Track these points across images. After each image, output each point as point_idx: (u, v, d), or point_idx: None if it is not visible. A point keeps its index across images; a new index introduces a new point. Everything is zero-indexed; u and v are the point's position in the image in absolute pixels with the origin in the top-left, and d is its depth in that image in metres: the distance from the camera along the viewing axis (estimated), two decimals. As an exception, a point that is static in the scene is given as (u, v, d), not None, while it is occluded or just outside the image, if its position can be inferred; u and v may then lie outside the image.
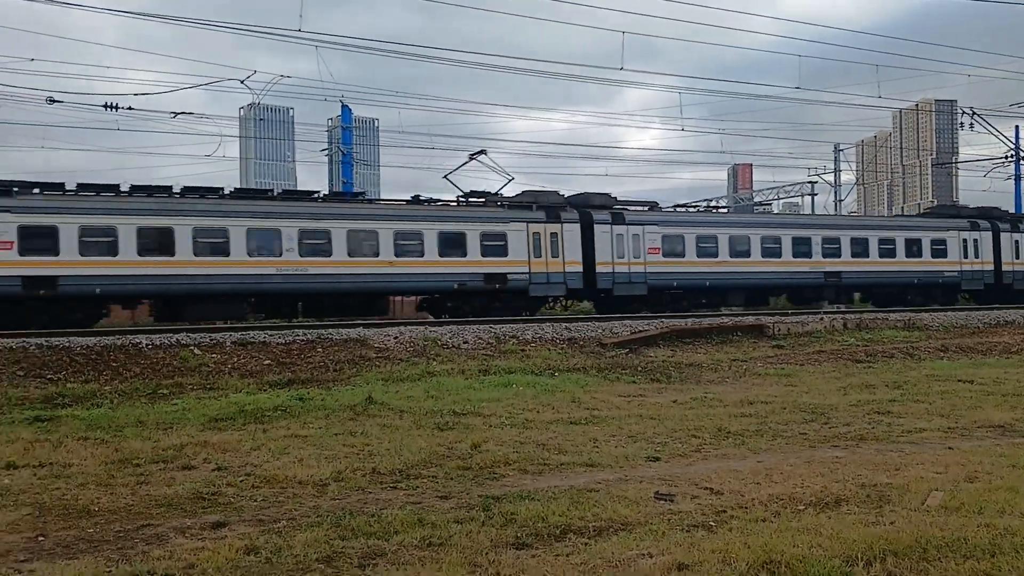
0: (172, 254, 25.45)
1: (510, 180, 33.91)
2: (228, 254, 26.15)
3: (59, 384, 16.23)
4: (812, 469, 8.96)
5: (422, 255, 28.87)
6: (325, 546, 6.32)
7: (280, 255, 26.72)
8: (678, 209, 39.79)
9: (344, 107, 52.63)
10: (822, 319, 28.10)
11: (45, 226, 24.05)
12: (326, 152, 64.05)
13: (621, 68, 37.80)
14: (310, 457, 9.81)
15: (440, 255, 29.09)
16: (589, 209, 32.57)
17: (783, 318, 27.90)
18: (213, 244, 26.04)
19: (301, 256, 26.95)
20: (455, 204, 31.87)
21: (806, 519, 6.95)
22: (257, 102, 36.94)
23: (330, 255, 27.36)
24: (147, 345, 18.98)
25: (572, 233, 31.38)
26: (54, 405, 14.39)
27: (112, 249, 24.74)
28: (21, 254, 23.63)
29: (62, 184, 25.69)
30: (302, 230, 27.10)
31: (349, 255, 27.65)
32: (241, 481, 8.66)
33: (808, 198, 67.35)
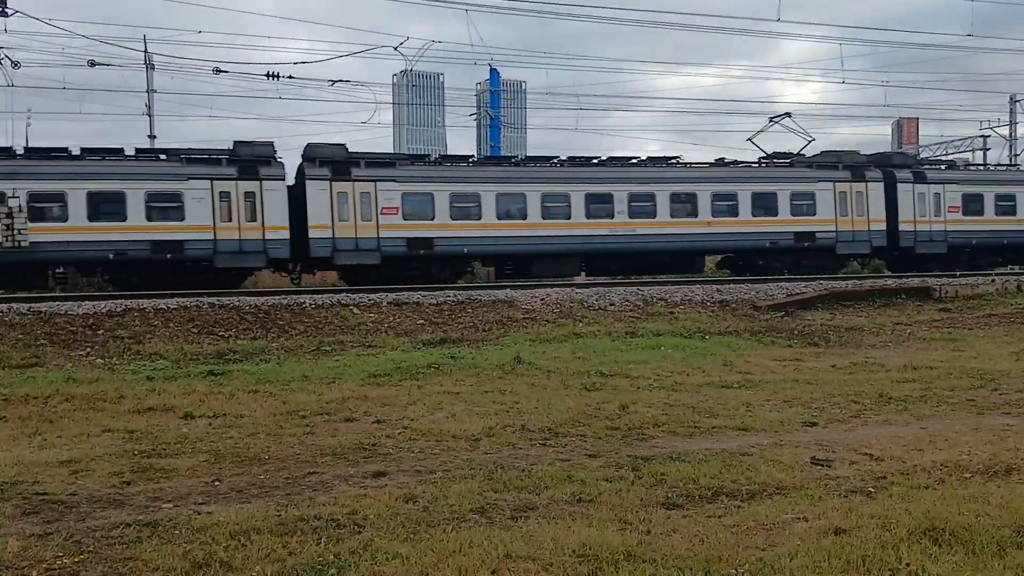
0: (525, 218, 28.27)
1: (811, 141, 34.59)
2: (569, 217, 28.53)
3: (230, 341, 17.26)
4: (980, 436, 8.51)
5: (736, 215, 30.30)
6: (479, 497, 6.50)
7: (612, 217, 28.95)
8: (969, 167, 39.33)
9: (492, 70, 53.03)
10: (993, 281, 26.45)
11: (424, 193, 27.44)
12: (474, 116, 64.84)
13: (778, 19, 36.35)
14: (462, 413, 10.09)
15: (752, 215, 30.43)
16: (891, 168, 32.94)
17: (950, 280, 26.41)
18: (557, 208, 28.61)
19: (630, 218, 29.07)
20: (757, 165, 32.77)
21: (973, 487, 6.62)
22: (410, 68, 37.67)
23: (654, 216, 29.37)
24: (310, 305, 19.89)
25: (876, 192, 31.99)
26: (226, 360, 15.34)
27: (476, 213, 27.88)
28: (404, 218, 27.11)
29: (428, 155, 29.47)
30: (631, 194, 29.18)
31: (671, 216, 29.53)
32: (399, 433, 9.01)
33: (980, 153, 63.03)
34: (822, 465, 7.50)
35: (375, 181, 26.88)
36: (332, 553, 5.32)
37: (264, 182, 25.94)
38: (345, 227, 26.48)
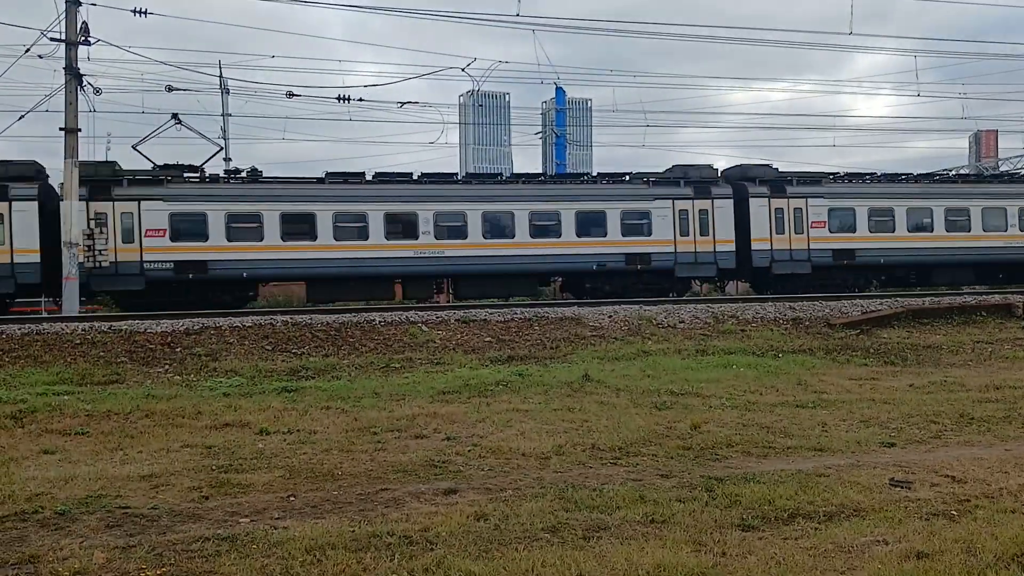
0: (931, 230, 30.98)
1: None
2: (969, 230, 31.55)
3: (302, 358, 17.55)
4: (1071, 460, 8.19)
5: None
6: (550, 516, 6.48)
7: (1005, 230, 31.95)
8: None
9: (558, 89, 53.12)
10: (1081, 298, 25.42)
11: (846, 208, 30.39)
12: (540, 135, 64.99)
13: (850, 32, 35.77)
14: (531, 431, 10.09)
15: None
16: None
17: (1034, 297, 25.49)
18: (959, 222, 31.49)
19: (1020, 231, 32.12)
20: None
21: (1065, 513, 6.37)
22: (477, 89, 38.08)
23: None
24: (380, 322, 20.11)
25: None
26: (299, 377, 15.59)
27: (891, 227, 30.60)
28: (830, 232, 30.18)
29: (837, 172, 32.12)
30: (1021, 208, 32.15)
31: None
32: (469, 451, 9.05)
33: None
34: (902, 487, 7.31)
35: (806, 198, 30.01)
36: (406, 570, 5.37)
37: (715, 201, 29.24)
38: (781, 240, 29.77)
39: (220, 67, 42.51)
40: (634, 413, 11.25)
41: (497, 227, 27.92)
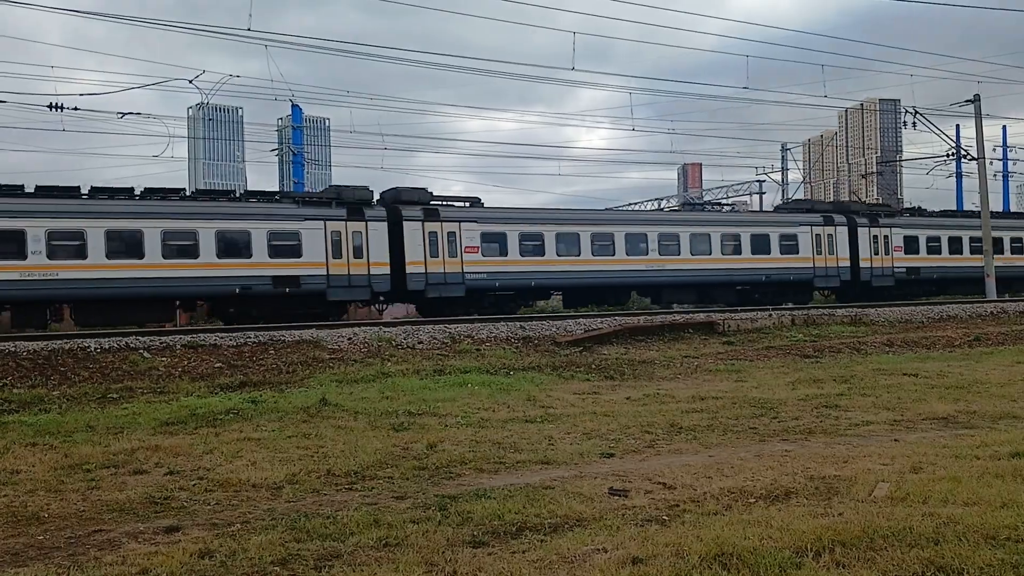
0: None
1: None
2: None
3: (5, 390, 15.89)
4: (762, 463, 9.11)
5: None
6: (280, 549, 6.29)
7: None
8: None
9: (294, 107, 52.12)
10: (771, 315, 28.51)
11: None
12: (276, 152, 63.38)
13: (572, 68, 38.07)
14: (264, 460, 9.74)
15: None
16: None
17: (733, 315, 28.27)
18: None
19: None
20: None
21: (757, 512, 7.07)
22: (206, 102, 36.41)
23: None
24: (95, 349, 18.65)
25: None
26: (-1, 411, 14.09)
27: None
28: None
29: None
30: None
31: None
32: (194, 485, 8.58)
33: (756, 197, 68.24)
34: (619, 495, 7.78)
35: None
36: (120, 618, 4.99)
37: None
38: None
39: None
40: (371, 436, 11.19)
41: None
